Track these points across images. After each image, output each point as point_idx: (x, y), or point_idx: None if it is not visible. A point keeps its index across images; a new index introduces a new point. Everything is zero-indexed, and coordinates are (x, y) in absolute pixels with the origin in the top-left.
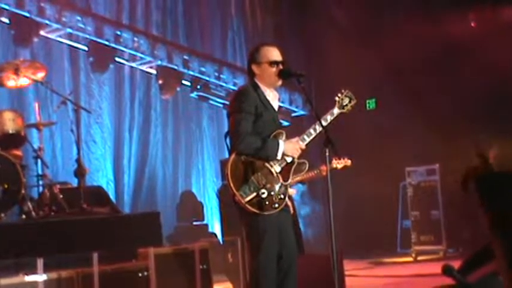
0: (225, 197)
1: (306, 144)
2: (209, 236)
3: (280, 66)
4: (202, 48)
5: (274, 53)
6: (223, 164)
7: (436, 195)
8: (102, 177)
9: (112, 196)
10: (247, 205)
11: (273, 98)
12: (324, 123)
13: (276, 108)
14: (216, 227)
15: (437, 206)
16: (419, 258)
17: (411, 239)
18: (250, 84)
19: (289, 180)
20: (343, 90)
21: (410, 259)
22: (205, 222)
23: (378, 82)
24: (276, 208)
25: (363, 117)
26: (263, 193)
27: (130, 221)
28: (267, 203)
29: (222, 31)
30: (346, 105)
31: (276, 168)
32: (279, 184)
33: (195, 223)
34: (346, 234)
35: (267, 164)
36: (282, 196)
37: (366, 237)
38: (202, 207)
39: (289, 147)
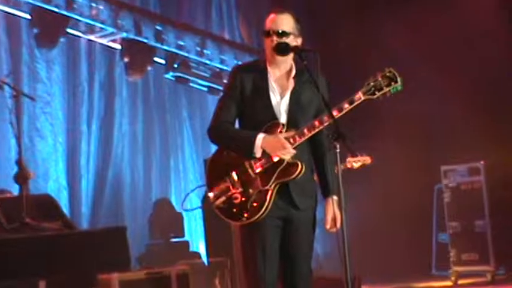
0: (210, 207)
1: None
2: (191, 257)
3: (275, 38)
4: (180, 17)
5: (269, 20)
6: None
7: (480, 200)
8: (51, 182)
9: (65, 207)
10: (216, 210)
11: (281, 81)
12: (338, 113)
13: (283, 95)
14: (200, 245)
15: (482, 214)
16: (460, 282)
17: (450, 257)
18: (261, 60)
19: (268, 186)
20: (386, 69)
21: (449, 283)
22: (185, 239)
23: (405, 57)
24: (246, 218)
25: (386, 102)
26: (235, 198)
27: (88, 238)
28: (234, 210)
29: None
30: (381, 89)
31: (256, 168)
32: (256, 189)
33: (172, 240)
34: (366, 253)
35: (246, 162)
36: (255, 204)
37: (392, 256)
38: (182, 220)
39: (268, 143)
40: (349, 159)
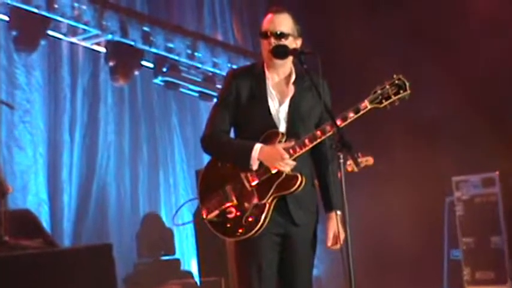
0: (203, 222)
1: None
2: (182, 276)
3: (273, 40)
4: (169, 17)
5: (267, 21)
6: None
7: (496, 214)
8: (31, 197)
9: (45, 223)
10: (209, 225)
11: (280, 87)
12: (342, 123)
13: (282, 102)
14: (192, 264)
15: (498, 229)
16: None
17: (463, 276)
18: (258, 64)
19: (265, 200)
20: (395, 75)
21: None
22: (176, 256)
23: (413, 59)
24: (241, 234)
25: (393, 108)
26: (229, 212)
27: (71, 257)
28: (228, 225)
29: None
30: (389, 97)
31: (253, 180)
32: (252, 203)
33: (162, 258)
34: (372, 270)
35: (241, 174)
36: (251, 219)
37: (400, 274)
38: (173, 236)
39: (266, 155)
40: (350, 162)
